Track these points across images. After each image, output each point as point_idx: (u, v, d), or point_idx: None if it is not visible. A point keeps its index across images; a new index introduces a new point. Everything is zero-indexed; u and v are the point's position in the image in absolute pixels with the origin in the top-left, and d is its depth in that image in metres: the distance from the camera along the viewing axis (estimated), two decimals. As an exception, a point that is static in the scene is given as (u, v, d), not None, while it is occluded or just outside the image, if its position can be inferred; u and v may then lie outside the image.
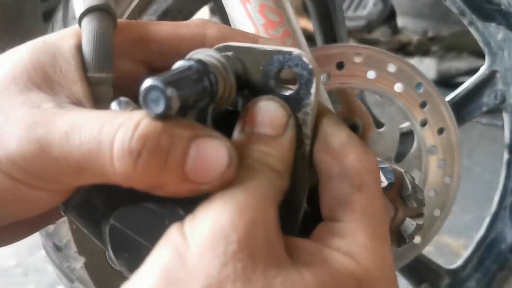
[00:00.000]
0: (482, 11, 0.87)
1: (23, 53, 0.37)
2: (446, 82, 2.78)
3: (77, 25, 0.40)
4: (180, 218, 0.34)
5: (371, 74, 0.83)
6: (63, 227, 0.89)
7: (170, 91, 0.31)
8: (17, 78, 0.36)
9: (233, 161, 0.33)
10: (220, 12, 1.22)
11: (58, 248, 0.91)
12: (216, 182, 0.33)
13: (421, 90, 0.85)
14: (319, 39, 1.07)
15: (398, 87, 0.84)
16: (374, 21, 3.13)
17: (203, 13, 3.20)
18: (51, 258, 0.93)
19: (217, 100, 0.36)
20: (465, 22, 0.88)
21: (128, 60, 0.41)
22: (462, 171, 0.90)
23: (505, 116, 0.94)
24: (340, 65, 0.82)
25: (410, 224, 0.77)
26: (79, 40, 0.39)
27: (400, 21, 3.05)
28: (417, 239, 0.89)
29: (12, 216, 0.38)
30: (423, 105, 0.85)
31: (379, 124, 0.89)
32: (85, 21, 0.39)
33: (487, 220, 1.00)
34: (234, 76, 0.37)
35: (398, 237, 0.79)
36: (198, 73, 0.34)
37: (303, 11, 2.69)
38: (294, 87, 0.37)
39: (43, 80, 0.36)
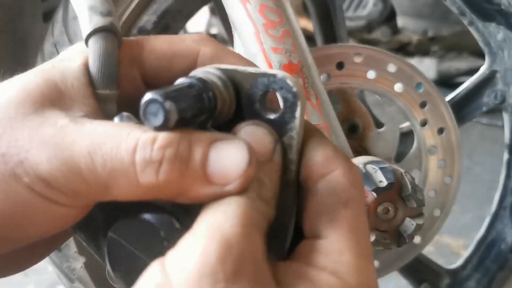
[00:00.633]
0: (482, 11, 0.87)
1: (34, 73, 0.39)
2: (446, 82, 2.78)
3: (82, 46, 0.42)
4: (175, 231, 0.35)
5: (371, 74, 0.83)
6: (63, 227, 0.89)
7: (168, 104, 0.32)
8: (31, 94, 0.37)
9: (253, 159, 0.33)
10: (220, 12, 1.22)
11: (58, 248, 0.91)
12: (238, 182, 0.33)
13: (421, 90, 0.85)
14: (319, 39, 1.07)
15: (398, 87, 0.84)
16: (374, 21, 3.13)
17: (203, 13, 3.21)
18: (51, 258, 0.93)
19: (217, 115, 0.37)
20: (465, 22, 0.88)
21: (126, 78, 0.42)
22: (462, 171, 0.90)
23: (505, 116, 0.94)
24: (340, 65, 0.82)
25: (410, 224, 0.77)
26: (86, 59, 0.40)
27: (400, 21, 3.05)
28: (417, 239, 0.89)
29: (39, 233, 0.39)
30: (423, 105, 0.85)
31: (379, 124, 0.89)
32: (91, 41, 0.41)
33: (487, 220, 1.00)
34: (235, 93, 0.38)
35: (398, 237, 0.79)
36: (197, 90, 0.35)
37: (303, 11, 2.69)
38: (280, 111, 0.37)
39: (56, 96, 0.37)
